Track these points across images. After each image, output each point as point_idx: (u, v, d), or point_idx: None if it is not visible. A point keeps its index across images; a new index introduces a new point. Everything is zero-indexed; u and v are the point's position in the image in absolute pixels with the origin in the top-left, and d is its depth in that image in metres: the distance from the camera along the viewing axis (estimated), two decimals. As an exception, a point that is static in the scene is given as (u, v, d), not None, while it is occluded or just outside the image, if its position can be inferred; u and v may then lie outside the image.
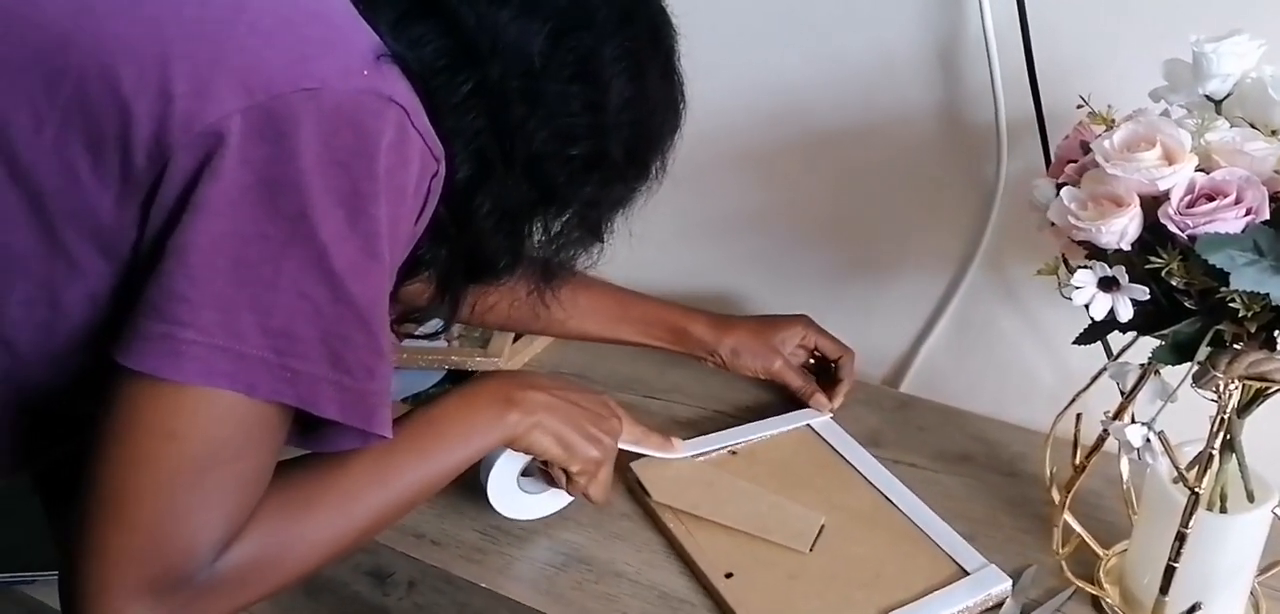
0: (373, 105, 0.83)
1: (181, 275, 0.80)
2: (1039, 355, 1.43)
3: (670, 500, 1.23)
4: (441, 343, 1.49)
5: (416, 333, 1.12)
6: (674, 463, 1.28)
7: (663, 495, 1.23)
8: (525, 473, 1.21)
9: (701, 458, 1.31)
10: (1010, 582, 1.15)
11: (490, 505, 1.19)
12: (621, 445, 1.23)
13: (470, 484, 1.24)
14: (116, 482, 0.82)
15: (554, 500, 1.23)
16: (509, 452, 1.16)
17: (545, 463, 1.17)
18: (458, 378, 1.45)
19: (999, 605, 1.14)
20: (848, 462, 1.32)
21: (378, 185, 0.83)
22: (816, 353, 1.45)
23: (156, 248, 0.82)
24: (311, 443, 0.92)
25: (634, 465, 1.26)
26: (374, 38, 0.87)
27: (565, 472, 1.17)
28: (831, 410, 1.39)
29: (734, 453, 1.33)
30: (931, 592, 1.13)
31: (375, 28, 0.88)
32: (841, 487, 1.28)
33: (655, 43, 1.02)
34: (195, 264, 0.80)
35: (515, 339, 1.52)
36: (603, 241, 1.07)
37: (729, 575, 1.14)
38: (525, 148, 0.93)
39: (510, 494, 1.20)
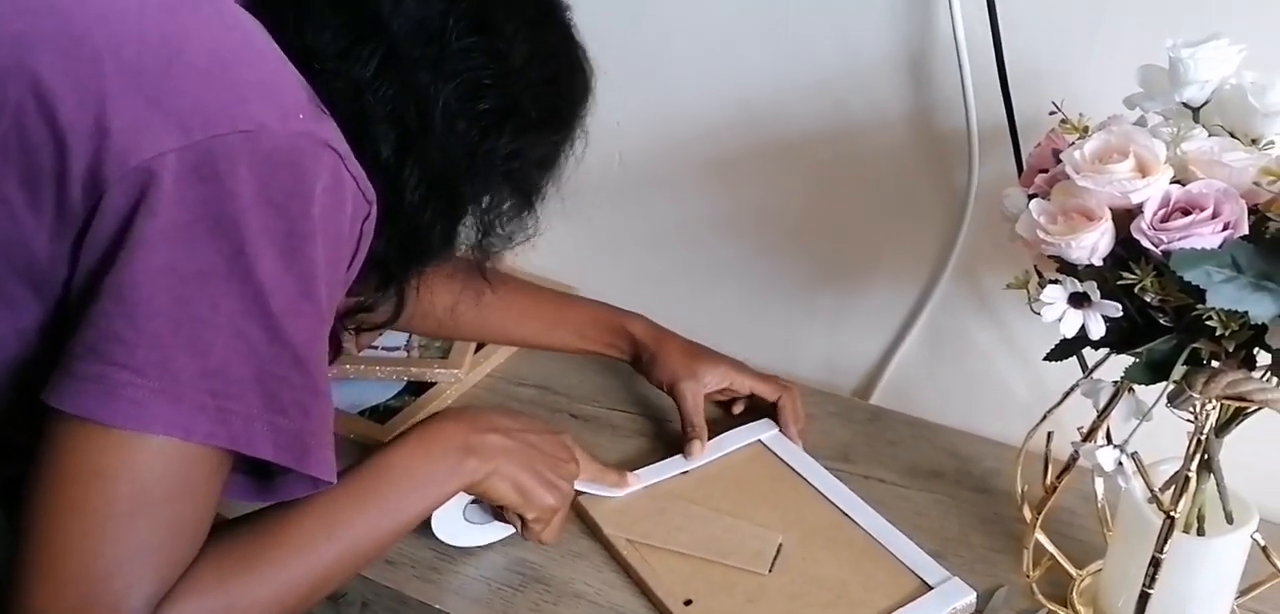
0: (309, 149, 0.84)
1: (118, 315, 0.80)
2: (1013, 368, 1.41)
3: (622, 532, 1.20)
4: (401, 353, 1.46)
5: (378, 345, 1.11)
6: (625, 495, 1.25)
7: (614, 528, 1.20)
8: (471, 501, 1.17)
9: (652, 481, 1.27)
10: (974, 594, 1.13)
11: (432, 532, 1.16)
12: (578, 486, 1.20)
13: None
14: (46, 529, 0.81)
15: (499, 531, 1.19)
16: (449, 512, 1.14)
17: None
18: (417, 389, 1.42)
19: (965, 618, 1.13)
20: (801, 476, 1.29)
21: (313, 226, 0.84)
22: (752, 397, 1.40)
23: (90, 286, 0.82)
24: (262, 495, 0.92)
25: (582, 501, 1.23)
26: (299, 79, 0.88)
27: (520, 516, 1.14)
28: (699, 455, 1.31)
29: (686, 473, 1.30)
30: (896, 609, 1.12)
31: (280, 21, 0.89)
32: (797, 503, 1.26)
33: (546, 6, 1.03)
34: (132, 303, 0.80)
35: (476, 349, 1.50)
36: (534, 208, 1.06)
37: (688, 602, 1.12)
38: (436, 109, 0.93)
39: (455, 524, 1.17)
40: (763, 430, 1.36)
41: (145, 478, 0.81)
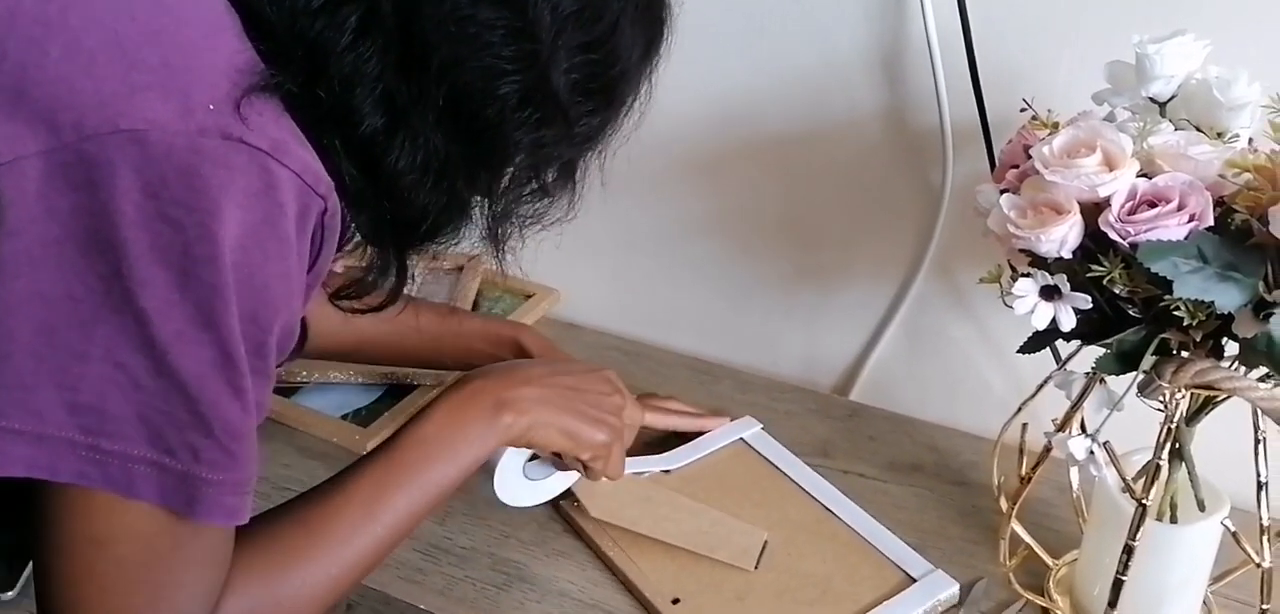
0: (214, 151, 0.72)
1: None
2: (989, 362, 1.42)
3: (608, 516, 1.19)
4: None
5: (365, 308, 0.97)
6: (608, 488, 1.23)
7: (600, 511, 1.20)
8: (531, 459, 1.16)
9: (638, 476, 1.28)
10: (956, 586, 1.14)
11: (499, 502, 1.15)
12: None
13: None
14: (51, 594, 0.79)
15: (562, 480, 1.18)
16: (510, 449, 1.12)
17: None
18: (398, 393, 1.42)
19: (949, 611, 1.13)
20: (785, 474, 1.30)
21: (216, 244, 0.72)
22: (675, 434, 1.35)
23: None
24: None
25: (573, 488, 1.23)
26: (240, 52, 0.76)
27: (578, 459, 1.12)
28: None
29: (668, 472, 1.30)
30: (881, 601, 1.12)
31: None
32: (781, 500, 1.26)
33: None
34: None
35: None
36: (575, 191, 0.95)
37: (676, 601, 1.12)
38: (439, 88, 0.80)
39: (518, 485, 1.15)
40: (745, 428, 1.36)
41: (74, 527, 0.76)
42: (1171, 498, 1.05)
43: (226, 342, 0.74)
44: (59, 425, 0.73)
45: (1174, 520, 1.05)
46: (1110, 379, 0.99)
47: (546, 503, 1.19)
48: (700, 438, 1.34)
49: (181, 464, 0.76)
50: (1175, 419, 0.98)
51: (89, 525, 0.76)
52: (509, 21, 0.80)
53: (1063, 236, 0.92)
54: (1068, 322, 0.95)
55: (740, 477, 1.30)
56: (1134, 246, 0.89)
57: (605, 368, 1.17)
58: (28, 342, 0.71)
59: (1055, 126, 0.99)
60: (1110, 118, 1.01)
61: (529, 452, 1.14)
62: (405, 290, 0.93)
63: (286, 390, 1.42)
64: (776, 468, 1.31)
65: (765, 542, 1.19)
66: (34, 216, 0.70)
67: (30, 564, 1.16)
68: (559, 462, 1.16)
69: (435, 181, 0.84)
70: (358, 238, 0.89)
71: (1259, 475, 1.01)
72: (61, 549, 0.77)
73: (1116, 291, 0.92)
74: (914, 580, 1.15)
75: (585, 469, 1.13)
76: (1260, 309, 0.88)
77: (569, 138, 0.89)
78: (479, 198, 0.90)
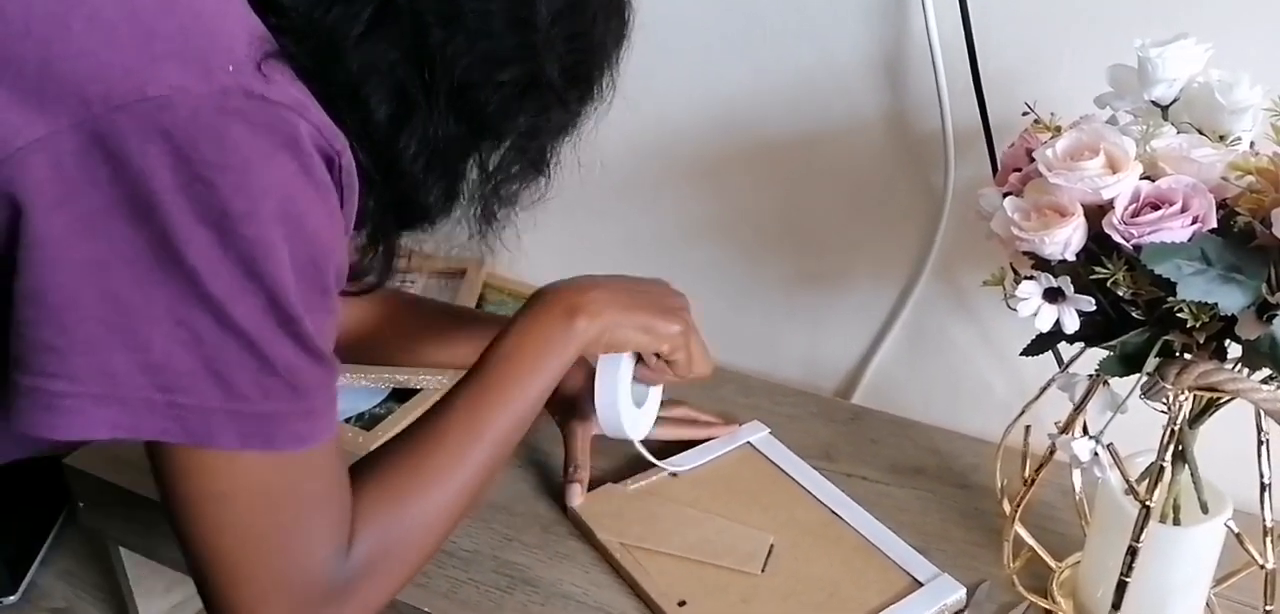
0: (240, 109, 0.74)
1: (44, 322, 0.74)
2: (992, 365, 1.42)
3: (614, 536, 1.20)
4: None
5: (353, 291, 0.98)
6: (615, 496, 1.25)
7: (605, 531, 1.20)
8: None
9: (642, 484, 1.28)
10: (964, 590, 1.14)
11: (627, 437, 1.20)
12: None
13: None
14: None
15: (655, 395, 1.23)
16: (607, 375, 1.16)
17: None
18: (402, 396, 1.42)
19: (955, 615, 1.14)
20: (792, 478, 1.30)
21: (253, 198, 0.74)
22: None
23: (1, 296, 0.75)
24: None
25: (573, 505, 1.23)
26: (251, 21, 0.79)
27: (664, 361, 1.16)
28: (578, 500, 1.24)
29: (675, 475, 1.30)
30: (887, 606, 1.12)
31: None
32: (788, 504, 1.26)
33: None
34: (57, 306, 0.73)
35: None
36: (547, 175, 1.00)
37: (682, 603, 1.12)
38: (448, 77, 0.85)
39: (630, 415, 1.19)
40: (752, 432, 1.36)
41: (185, 487, 0.81)
42: (1175, 500, 1.05)
43: (275, 289, 0.77)
44: (136, 387, 0.75)
45: (1177, 522, 1.05)
46: (1113, 381, 0.99)
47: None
48: (708, 442, 1.34)
49: (253, 406, 0.79)
50: (1178, 421, 0.98)
51: (205, 483, 0.80)
52: (510, 12, 0.85)
53: (1066, 239, 0.92)
54: (1071, 324, 0.95)
55: (747, 481, 1.30)
56: (1137, 249, 0.89)
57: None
58: (94, 309, 0.74)
59: (1057, 130, 0.99)
60: (1112, 121, 1.01)
61: (627, 377, 1.16)
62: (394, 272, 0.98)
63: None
64: (783, 472, 1.31)
65: (771, 546, 1.19)
66: (78, 187, 0.72)
67: (31, 569, 1.17)
68: (646, 373, 1.20)
69: (440, 169, 0.89)
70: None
71: (1262, 477, 1.01)
72: (188, 514, 0.82)
73: (1120, 294, 0.92)
74: (921, 585, 1.15)
75: (669, 366, 1.18)
76: (1263, 311, 0.88)
77: (559, 123, 0.96)
78: (475, 181, 0.94)
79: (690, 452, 1.33)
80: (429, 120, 0.85)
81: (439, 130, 0.86)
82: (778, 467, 1.32)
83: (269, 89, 0.75)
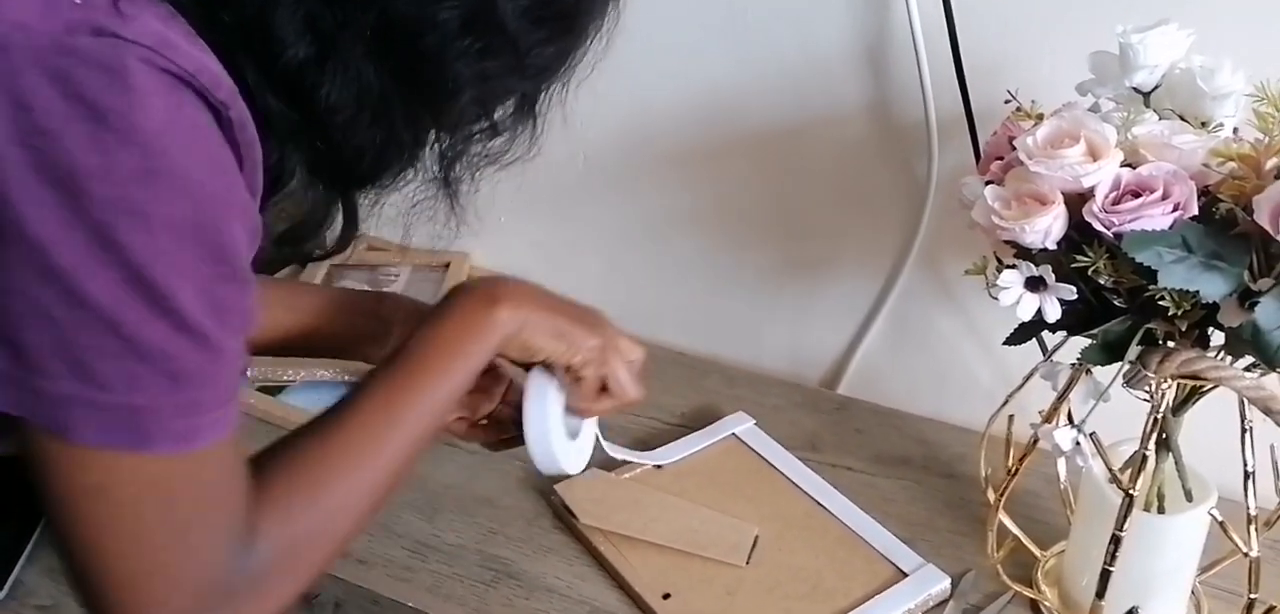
0: (87, 50, 0.64)
1: None
2: (977, 354, 1.42)
3: (598, 522, 1.19)
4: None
5: (317, 256, 0.91)
6: (599, 482, 1.24)
7: (590, 517, 1.20)
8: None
9: (627, 475, 1.27)
10: (949, 579, 1.14)
11: (557, 470, 1.08)
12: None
13: (396, 500, 1.22)
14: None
15: (589, 427, 1.13)
16: (535, 403, 1.06)
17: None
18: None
19: (940, 604, 1.13)
20: (777, 469, 1.30)
21: (108, 156, 0.65)
22: None
23: None
24: None
25: (558, 488, 1.23)
26: None
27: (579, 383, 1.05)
28: None
29: (660, 467, 1.29)
30: (872, 596, 1.13)
31: None
32: (772, 495, 1.26)
33: None
34: None
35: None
36: (535, 119, 0.88)
37: (666, 596, 1.12)
38: (369, 11, 0.73)
39: (564, 448, 1.08)
40: (737, 424, 1.36)
41: (64, 481, 0.71)
42: (1159, 488, 1.05)
43: (138, 259, 0.67)
44: None
45: (1161, 511, 1.05)
46: (1096, 370, 0.99)
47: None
48: (692, 434, 1.34)
49: (118, 396, 0.69)
50: (1161, 409, 0.98)
51: (79, 476, 0.72)
52: None
53: (1047, 227, 0.92)
54: (1053, 313, 0.95)
55: (732, 472, 1.30)
56: (1118, 237, 0.89)
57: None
58: None
59: (1039, 117, 0.99)
60: (1094, 108, 1.01)
61: (557, 405, 1.07)
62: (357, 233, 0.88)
63: (273, 389, 1.41)
64: (768, 463, 1.31)
65: (756, 537, 1.19)
66: None
67: (17, 566, 1.16)
68: (576, 404, 1.08)
69: (372, 119, 0.77)
70: (290, 185, 0.81)
71: (1246, 465, 1.01)
72: (66, 513, 0.73)
73: (1101, 282, 0.92)
74: (905, 575, 1.15)
75: (583, 397, 1.06)
76: (1245, 298, 0.88)
77: (520, 69, 0.82)
78: (427, 136, 0.84)
79: (674, 443, 1.33)
80: (351, 63, 0.74)
81: (365, 76, 0.75)
82: (762, 457, 1.32)
83: (123, 25, 0.65)
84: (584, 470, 1.11)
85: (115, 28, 0.64)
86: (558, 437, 1.06)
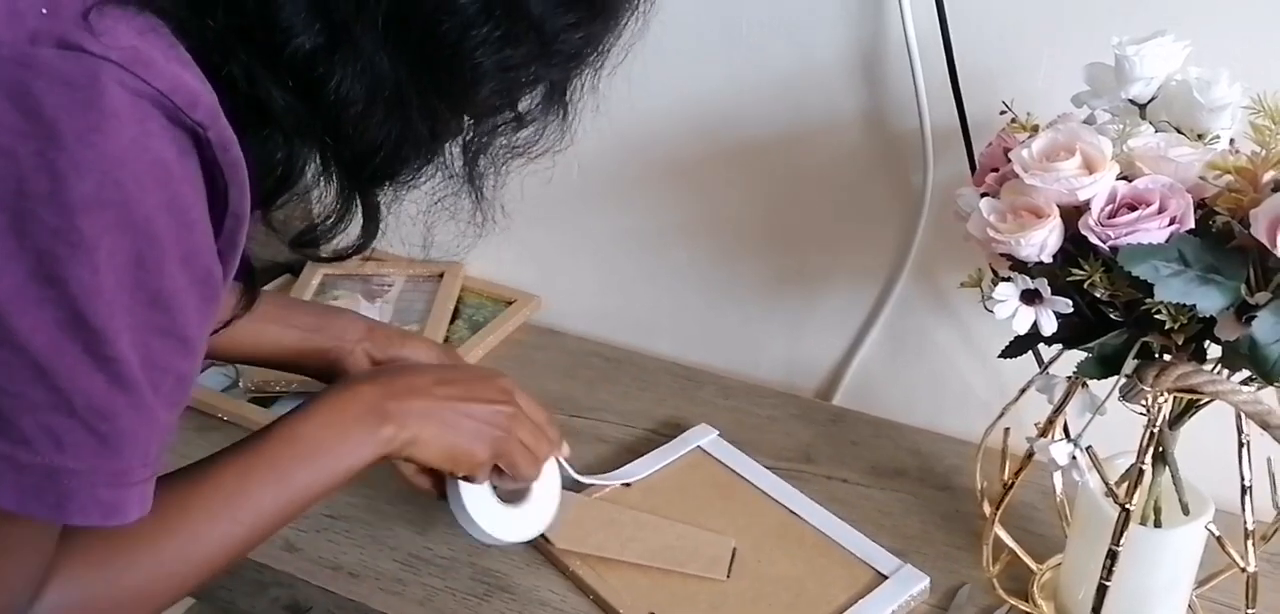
0: (50, 65, 0.60)
1: None
2: (973, 365, 1.41)
3: (573, 545, 1.17)
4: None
5: (328, 255, 0.85)
6: (573, 506, 1.21)
7: (565, 541, 1.18)
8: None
9: (597, 495, 1.26)
10: (927, 579, 1.14)
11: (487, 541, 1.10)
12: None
13: (388, 512, 1.21)
14: None
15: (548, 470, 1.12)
16: (454, 498, 1.06)
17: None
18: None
19: (924, 607, 1.14)
20: (746, 479, 1.29)
21: (60, 182, 0.60)
22: None
23: None
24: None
25: None
26: None
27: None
28: None
29: (628, 485, 1.28)
30: (855, 601, 1.12)
31: None
32: (744, 507, 1.25)
33: None
34: None
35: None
36: (566, 109, 0.83)
37: None
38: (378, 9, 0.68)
39: (498, 518, 1.09)
40: (701, 436, 1.35)
41: None
42: (1155, 502, 1.04)
43: (78, 298, 0.62)
44: None
45: (1158, 525, 1.04)
46: (1092, 383, 0.99)
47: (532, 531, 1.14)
48: (658, 449, 1.33)
49: (42, 456, 0.64)
50: (1158, 423, 0.97)
51: None
52: None
53: (1042, 240, 0.92)
54: (1049, 326, 0.95)
55: (701, 485, 1.29)
56: (1114, 250, 0.89)
57: (500, 374, 1.08)
58: None
59: (1035, 129, 0.99)
60: (1090, 120, 1.00)
61: (477, 492, 1.07)
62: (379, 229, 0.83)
63: (264, 400, 1.40)
64: (736, 474, 1.30)
65: (734, 549, 1.18)
66: None
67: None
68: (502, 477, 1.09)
69: (387, 111, 0.72)
70: (302, 183, 0.77)
71: (1243, 479, 1.01)
72: None
73: (1097, 295, 0.91)
74: (885, 577, 1.15)
75: (497, 472, 1.06)
76: (1242, 312, 0.87)
77: (546, 57, 0.76)
78: (446, 129, 0.79)
79: (640, 460, 1.31)
80: (363, 52, 0.69)
81: (379, 65, 0.70)
82: (730, 469, 1.31)
83: (91, 40, 0.60)
84: (550, 522, 1.13)
85: (82, 41, 0.60)
86: (487, 516, 1.07)
